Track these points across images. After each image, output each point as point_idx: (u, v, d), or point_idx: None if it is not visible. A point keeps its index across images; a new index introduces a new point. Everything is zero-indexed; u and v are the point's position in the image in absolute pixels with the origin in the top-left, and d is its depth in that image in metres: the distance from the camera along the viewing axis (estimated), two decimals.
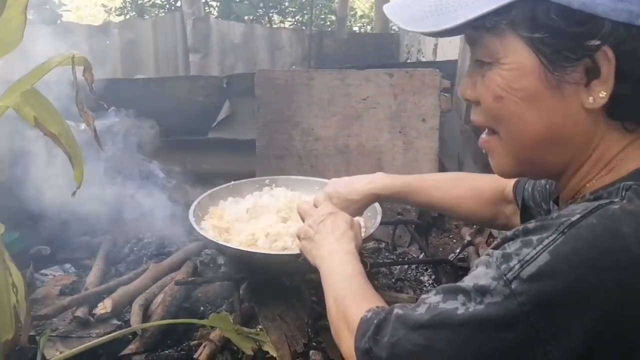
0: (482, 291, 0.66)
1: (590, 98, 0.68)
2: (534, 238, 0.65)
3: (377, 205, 1.72)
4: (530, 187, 1.13)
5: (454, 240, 2.29)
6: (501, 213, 1.26)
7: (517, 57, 0.70)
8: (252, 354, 1.39)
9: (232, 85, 2.67)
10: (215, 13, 7.03)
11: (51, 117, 1.05)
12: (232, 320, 1.44)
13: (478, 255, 1.92)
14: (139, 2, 8.22)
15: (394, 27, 6.09)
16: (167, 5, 8.18)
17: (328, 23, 8.13)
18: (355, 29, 8.77)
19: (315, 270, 1.15)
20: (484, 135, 0.81)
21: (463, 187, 1.31)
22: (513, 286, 0.63)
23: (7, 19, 1.14)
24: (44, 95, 1.08)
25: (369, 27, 9.36)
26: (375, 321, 0.80)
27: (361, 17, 10.12)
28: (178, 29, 5.12)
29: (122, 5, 8.41)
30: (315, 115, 2.49)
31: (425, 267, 1.98)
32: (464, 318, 0.66)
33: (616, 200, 0.66)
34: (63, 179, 1.86)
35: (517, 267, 0.63)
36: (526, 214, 1.13)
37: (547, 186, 1.07)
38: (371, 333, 0.78)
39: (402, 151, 2.55)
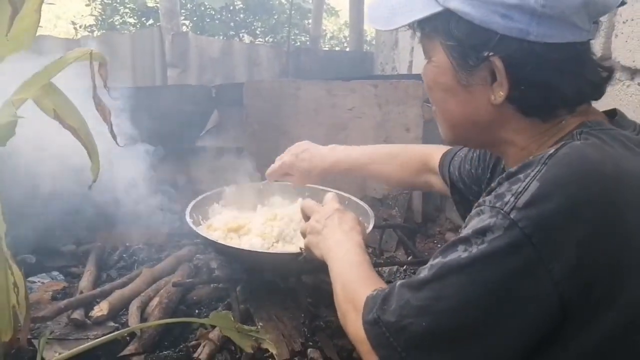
0: (482, 232, 0.72)
1: (492, 96, 0.84)
2: (521, 175, 0.74)
3: (369, 209, 1.76)
4: (456, 171, 1.33)
5: (439, 245, 2.35)
6: (423, 180, 1.53)
7: (439, 57, 0.88)
8: (252, 352, 1.41)
9: (221, 95, 2.70)
10: (189, 31, 7.04)
11: (69, 111, 1.07)
12: (232, 319, 1.46)
13: None
14: (109, 20, 8.18)
15: (367, 46, 6.24)
16: (139, 24, 8.16)
17: (298, 44, 8.23)
18: (326, 49, 8.90)
19: (317, 268, 1.18)
20: (433, 108, 0.98)
21: (395, 162, 1.55)
22: (512, 216, 0.70)
23: (21, 17, 1.15)
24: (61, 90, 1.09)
25: (337, 49, 9.51)
26: (381, 296, 0.84)
27: (330, 38, 10.29)
28: (156, 43, 5.11)
29: (93, 23, 8.35)
30: (303, 124, 2.53)
31: (412, 270, 2.03)
32: (468, 260, 0.72)
33: (576, 140, 0.78)
34: (49, 187, 1.85)
35: (512, 199, 0.72)
36: (456, 192, 1.34)
37: (473, 171, 1.25)
38: (378, 305, 0.82)
39: None
